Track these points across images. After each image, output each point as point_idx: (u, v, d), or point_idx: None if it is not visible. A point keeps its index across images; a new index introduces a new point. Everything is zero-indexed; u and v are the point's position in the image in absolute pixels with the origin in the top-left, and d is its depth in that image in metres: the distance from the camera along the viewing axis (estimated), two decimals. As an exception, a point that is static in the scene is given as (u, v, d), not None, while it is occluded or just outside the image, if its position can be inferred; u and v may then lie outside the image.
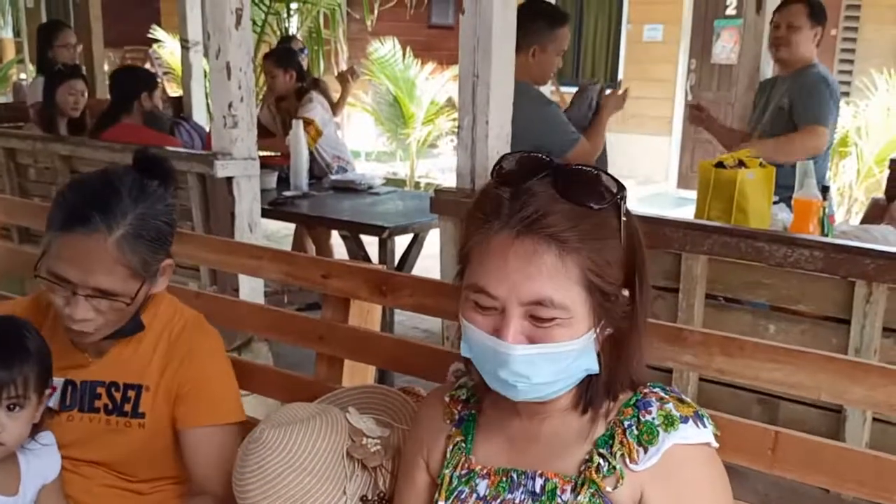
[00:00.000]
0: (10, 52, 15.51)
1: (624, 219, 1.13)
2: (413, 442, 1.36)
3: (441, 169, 9.62)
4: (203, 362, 1.60)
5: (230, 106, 3.40)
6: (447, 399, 1.32)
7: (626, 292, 1.15)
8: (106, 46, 6.63)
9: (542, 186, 1.12)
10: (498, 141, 2.64)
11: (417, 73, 9.14)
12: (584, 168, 1.15)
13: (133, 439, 1.59)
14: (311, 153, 4.92)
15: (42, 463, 1.51)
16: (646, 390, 1.18)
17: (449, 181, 8.48)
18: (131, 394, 1.59)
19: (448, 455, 1.27)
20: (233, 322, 1.92)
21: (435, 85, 9.15)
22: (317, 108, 5.01)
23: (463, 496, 1.22)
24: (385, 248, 4.07)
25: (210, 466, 1.58)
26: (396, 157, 9.82)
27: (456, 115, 8.09)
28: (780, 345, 1.32)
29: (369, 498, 1.41)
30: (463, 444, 1.26)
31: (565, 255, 1.09)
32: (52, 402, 1.53)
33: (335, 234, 5.11)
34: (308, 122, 4.87)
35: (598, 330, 1.13)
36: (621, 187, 1.14)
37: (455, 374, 1.39)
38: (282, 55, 5.22)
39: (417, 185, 8.74)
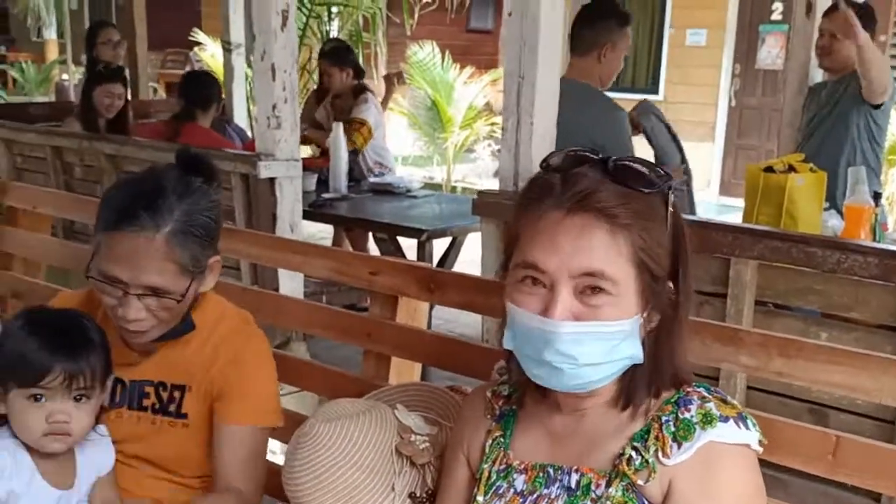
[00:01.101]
0: (53, 53, 15.80)
1: (671, 210, 1.15)
2: (455, 437, 1.36)
3: (478, 174, 9.61)
4: (247, 363, 1.61)
5: (274, 107, 3.43)
6: (489, 395, 1.32)
7: (670, 284, 1.15)
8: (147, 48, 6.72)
9: (592, 171, 1.14)
10: (542, 143, 2.62)
11: (456, 77, 9.14)
12: (633, 159, 1.16)
13: (178, 439, 1.61)
14: (355, 155, 4.94)
15: (97, 455, 1.52)
16: (689, 389, 1.17)
17: (486, 186, 8.48)
18: (176, 394, 1.60)
19: (487, 450, 1.27)
20: (280, 318, 1.93)
21: (473, 89, 9.15)
22: (371, 110, 5.00)
23: (501, 491, 1.22)
24: (423, 251, 4.07)
25: (236, 464, 1.58)
26: (433, 161, 9.82)
27: (494, 119, 8.12)
28: (840, 346, 1.29)
29: (417, 495, 1.40)
30: (502, 440, 1.26)
31: (617, 230, 1.10)
32: (103, 399, 1.52)
33: (370, 237, 5.12)
34: (361, 124, 4.87)
35: (645, 314, 1.13)
36: (669, 177, 1.15)
37: (499, 371, 1.39)
38: (338, 53, 5.18)
39: (454, 189, 8.74)
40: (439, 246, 4.32)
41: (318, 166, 4.91)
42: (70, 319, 1.47)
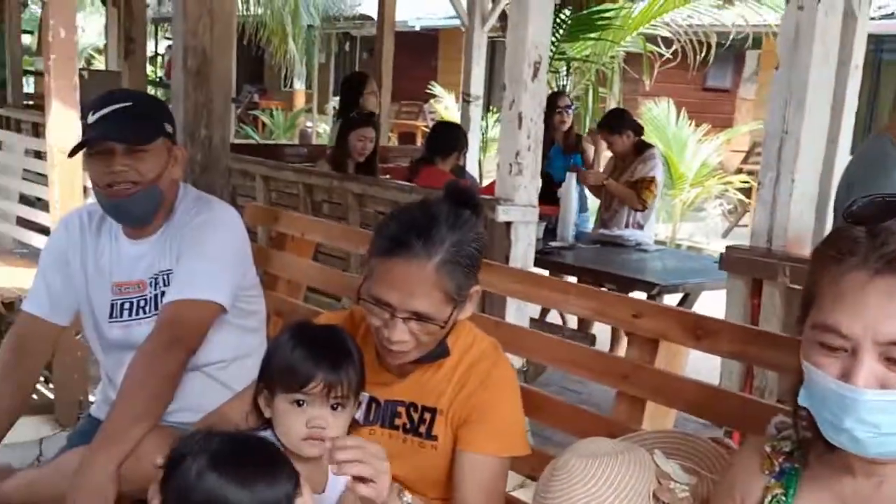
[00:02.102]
0: (300, 102, 17.17)
1: None
2: (725, 487, 1.31)
3: (706, 233, 9.32)
4: (494, 391, 1.63)
5: (517, 154, 3.51)
6: (768, 449, 1.27)
7: None
8: (384, 100, 7.16)
9: None
10: (802, 200, 2.53)
11: (689, 134, 8.96)
12: None
13: (425, 459, 1.65)
14: (622, 211, 5.04)
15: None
16: None
17: (714, 246, 8.22)
18: (427, 416, 1.65)
19: None
20: (531, 353, 1.97)
21: (707, 148, 8.92)
22: (658, 167, 5.06)
23: None
24: (652, 306, 3.99)
25: (475, 494, 1.59)
26: (658, 217, 9.67)
27: (728, 178, 7.82)
28: None
29: (674, 544, 1.37)
30: (783, 498, 1.21)
31: None
32: (358, 416, 1.59)
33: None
34: (651, 181, 4.94)
35: None
36: None
37: (777, 426, 1.33)
38: (612, 123, 5.27)
39: (678, 246, 8.51)
40: (669, 302, 4.23)
41: (546, 214, 4.98)
42: (333, 335, 1.56)
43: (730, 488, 1.29)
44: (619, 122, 5.17)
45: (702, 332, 1.60)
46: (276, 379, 1.50)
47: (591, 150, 5.67)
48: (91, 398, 3.42)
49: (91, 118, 1.92)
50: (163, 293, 2.00)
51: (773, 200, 2.54)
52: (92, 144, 1.93)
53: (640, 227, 5.07)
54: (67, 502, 1.71)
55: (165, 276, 2.03)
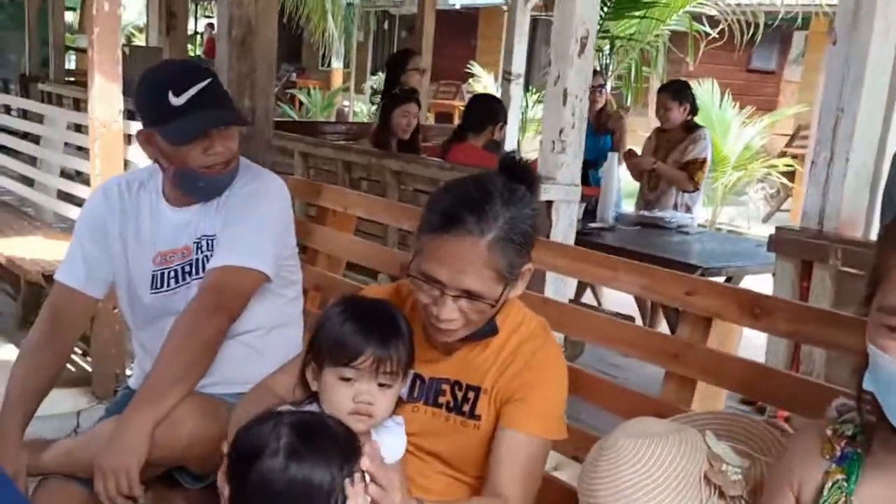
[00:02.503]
0: (338, 81, 17.15)
1: None
2: (782, 471, 1.28)
3: (747, 217, 9.19)
4: (541, 371, 1.60)
5: (561, 132, 3.46)
6: (829, 433, 1.23)
7: None
8: (421, 79, 7.09)
9: None
10: (857, 180, 2.45)
11: (733, 116, 8.78)
12: None
13: (468, 438, 1.62)
14: (670, 192, 4.96)
15: (392, 442, 1.56)
16: None
17: (755, 231, 8.07)
18: (471, 395, 1.62)
19: (825, 493, 1.18)
20: (579, 331, 1.92)
21: (750, 130, 8.75)
22: (709, 149, 4.97)
23: None
24: (693, 289, 3.92)
25: (511, 472, 1.56)
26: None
27: (772, 161, 7.64)
28: None
29: (726, 528, 1.33)
30: (844, 484, 1.17)
31: None
32: (402, 392, 1.57)
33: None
34: (703, 162, 4.86)
35: None
36: None
37: (839, 408, 1.29)
38: (679, 89, 5.18)
39: (718, 230, 8.39)
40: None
41: (587, 195, 4.91)
42: (383, 310, 1.54)
43: (787, 472, 1.26)
44: (683, 92, 5.08)
45: (760, 311, 1.55)
46: (324, 352, 1.48)
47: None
48: (128, 372, 3.45)
49: (178, 100, 1.87)
50: (206, 257, 2.00)
51: (825, 181, 2.47)
52: (205, 131, 1.90)
53: (689, 209, 4.99)
54: (99, 459, 1.71)
55: (209, 241, 2.02)
